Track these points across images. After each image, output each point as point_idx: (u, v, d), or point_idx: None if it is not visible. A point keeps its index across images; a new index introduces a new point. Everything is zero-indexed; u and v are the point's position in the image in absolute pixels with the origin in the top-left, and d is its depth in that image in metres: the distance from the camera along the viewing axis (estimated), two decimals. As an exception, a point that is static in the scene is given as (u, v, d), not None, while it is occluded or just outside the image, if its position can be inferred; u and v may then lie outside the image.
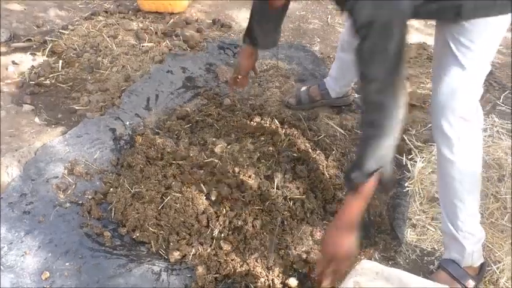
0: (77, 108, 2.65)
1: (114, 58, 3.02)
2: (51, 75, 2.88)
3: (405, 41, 1.45)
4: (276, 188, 2.13)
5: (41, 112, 2.63)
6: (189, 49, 3.23)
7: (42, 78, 2.85)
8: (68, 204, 2.13)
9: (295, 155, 2.30)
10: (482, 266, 1.88)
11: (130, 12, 3.61)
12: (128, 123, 2.54)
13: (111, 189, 2.19)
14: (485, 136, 2.53)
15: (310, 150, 2.35)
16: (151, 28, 3.37)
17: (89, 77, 2.90)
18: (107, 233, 2.03)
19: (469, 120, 1.73)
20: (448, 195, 1.82)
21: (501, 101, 2.91)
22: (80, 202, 2.14)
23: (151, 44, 3.21)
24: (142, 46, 3.19)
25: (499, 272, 1.93)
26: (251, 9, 2.12)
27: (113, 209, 2.11)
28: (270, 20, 2.12)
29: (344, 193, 2.17)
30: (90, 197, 2.15)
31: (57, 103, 2.70)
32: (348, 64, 2.45)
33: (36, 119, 2.58)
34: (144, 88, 2.78)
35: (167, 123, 2.53)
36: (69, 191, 2.19)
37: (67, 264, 1.92)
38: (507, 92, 3.00)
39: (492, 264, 1.96)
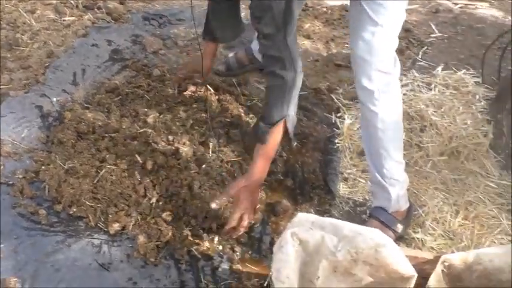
0: (-2, 87, 2.55)
1: (34, 34, 2.91)
2: (-33, 55, 2.74)
3: None
4: (212, 152, 2.16)
5: (-42, 94, 2.51)
6: (113, 21, 3.15)
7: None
8: (-3, 186, 2.07)
9: (228, 120, 2.32)
10: (409, 209, 2.00)
11: (46, -15, 3.47)
12: (55, 99, 2.47)
13: (43, 167, 2.13)
14: (407, 90, 2.65)
15: (243, 114, 2.38)
16: (72, 1, 3.25)
17: (8, 55, 2.77)
18: (42, 211, 1.98)
19: (387, 73, 1.82)
20: (373, 145, 1.91)
21: (420, 56, 3.05)
22: (11, 182, 2.07)
23: (73, 17, 3.11)
24: (64, 20, 3.08)
25: (425, 215, 2.06)
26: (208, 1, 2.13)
27: (46, 186, 2.05)
28: (226, 9, 2.19)
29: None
30: (20, 176, 2.09)
31: (-25, 83, 2.59)
32: None
33: (-46, 101, 2.46)
34: (69, 63, 2.70)
35: (96, 97, 2.48)
36: (-3, 172, 2.12)
37: (1, 246, 1.87)
38: (425, 48, 3.14)
39: (418, 208, 2.08)
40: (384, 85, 1.82)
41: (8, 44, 2.82)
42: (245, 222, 1.85)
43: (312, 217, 1.55)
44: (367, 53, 1.78)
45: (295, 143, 2.18)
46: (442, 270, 1.49)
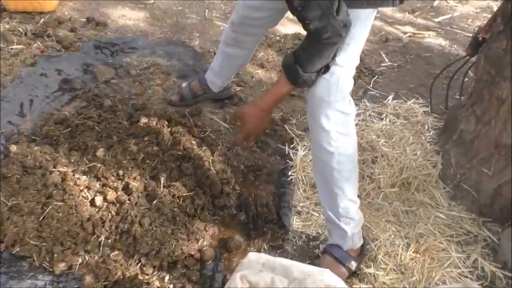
0: None
1: (-21, 63, 2.82)
2: None
3: None
4: (163, 187, 2.12)
5: None
6: (63, 50, 3.09)
7: None
8: None
9: (180, 153, 2.29)
10: (362, 246, 1.99)
11: (-6, 12, 3.38)
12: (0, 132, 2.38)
13: (-15, 204, 2.04)
14: (359, 120, 2.69)
15: (195, 147, 2.35)
16: (20, 29, 3.18)
17: (-48, 84, 2.68)
18: (-17, 251, 1.90)
19: (344, 113, 1.83)
20: (327, 185, 1.90)
21: (371, 85, 3.10)
22: (-51, 222, 1.98)
23: (21, 46, 3.04)
24: (11, 49, 3.00)
25: (377, 249, 2.07)
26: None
27: (-12, 225, 1.97)
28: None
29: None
30: (-39, 215, 2.00)
31: None
32: (232, 58, 2.50)
33: None
34: (16, 93, 2.62)
35: (44, 129, 2.40)
36: None
37: None
38: (376, 77, 3.20)
39: (370, 242, 2.09)
40: (341, 125, 1.83)
41: (-49, 72, 2.72)
42: (247, 143, 2.09)
43: (263, 258, 1.53)
44: (326, 93, 1.79)
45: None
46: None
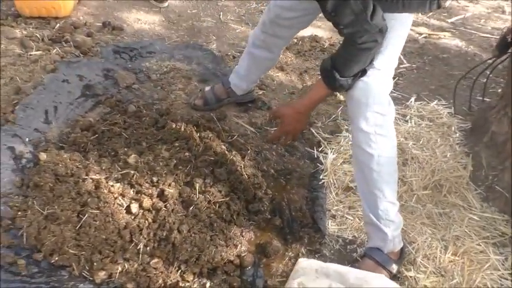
0: (-36, 128, 2.41)
1: (-1, 69, 2.79)
2: None
3: None
4: (198, 193, 2.10)
5: None
6: (82, 55, 3.07)
7: None
8: (-30, 235, 1.94)
9: (212, 158, 2.27)
10: (402, 249, 2.00)
11: (9, 18, 3.33)
12: (27, 139, 2.35)
13: (19, 212, 2.01)
14: (385, 123, 2.68)
15: (226, 152, 2.33)
16: (37, 35, 3.16)
17: (-26, 93, 2.65)
18: (21, 260, 1.87)
19: (383, 114, 1.84)
20: (368, 187, 1.90)
21: (392, 88, 3.09)
22: (-15, 231, 1.96)
23: (40, 52, 3.01)
24: (30, 55, 2.97)
25: (415, 252, 2.07)
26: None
27: (24, 234, 1.94)
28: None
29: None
30: (-5, 224, 1.98)
31: None
32: (259, 60, 2.49)
33: None
34: (40, 100, 2.60)
35: (71, 136, 2.39)
36: (-31, 221, 1.99)
37: (-20, 301, 1.76)
38: (396, 78, 3.20)
39: (408, 245, 2.09)
40: (380, 127, 1.83)
41: (-28, 81, 2.70)
42: (284, 142, 2.25)
43: (315, 264, 1.53)
44: (363, 95, 1.80)
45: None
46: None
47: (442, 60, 3.48)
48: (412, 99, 2.95)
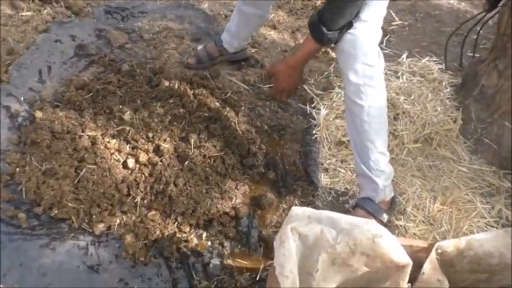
0: (-42, 88, 2.42)
1: (-9, 30, 2.78)
2: None
3: None
4: (194, 148, 2.14)
5: None
6: (73, 16, 3.05)
7: None
8: (-31, 191, 1.98)
9: (206, 114, 2.30)
10: (392, 199, 2.05)
11: (-1, -22, 3.31)
12: (22, 98, 2.37)
13: (17, 169, 2.05)
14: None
15: (220, 108, 2.37)
16: (28, -5, 3.13)
17: (-34, 53, 2.65)
18: (21, 214, 1.92)
19: (372, 66, 1.87)
20: (359, 138, 1.95)
21: (384, 44, 3.11)
22: (-16, 186, 2.00)
23: (31, 12, 2.98)
24: (21, 16, 2.95)
25: (405, 202, 2.13)
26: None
27: (24, 189, 1.99)
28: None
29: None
30: (-5, 180, 2.02)
31: None
32: (248, 17, 2.49)
33: None
34: (33, 60, 2.60)
35: (66, 95, 2.40)
36: (-31, 177, 2.03)
37: (-17, 252, 1.81)
38: (388, 36, 3.21)
39: (398, 196, 2.14)
40: (369, 78, 1.87)
41: (-36, 41, 2.69)
42: (280, 98, 2.38)
43: (308, 211, 1.57)
44: (352, 47, 1.83)
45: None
46: (436, 258, 1.55)
47: (433, 17, 3.48)
48: (404, 55, 2.97)
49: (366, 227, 1.48)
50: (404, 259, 1.47)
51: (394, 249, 1.48)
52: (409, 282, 1.51)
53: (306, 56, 2.06)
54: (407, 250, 1.50)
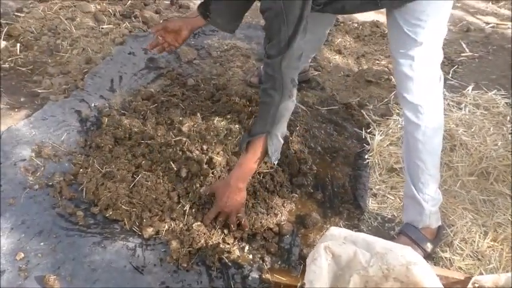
0: (39, 91, 2.63)
1: (73, 41, 3.00)
2: (9, 59, 2.83)
3: (300, 28, 1.70)
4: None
5: (1, 96, 2.59)
6: (149, 31, 3.24)
7: (1, 62, 2.80)
8: (37, 186, 2.14)
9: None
10: (439, 229, 2.02)
11: (85, -6, 3.57)
12: (93, 104, 2.55)
13: (81, 170, 2.20)
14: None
15: (275, 126, 2.42)
16: (110, 10, 3.36)
17: (49, 60, 2.87)
18: (80, 212, 2.05)
19: (430, 88, 1.87)
20: (412, 157, 1.95)
21: (450, 75, 3.07)
22: (50, 184, 2.15)
23: (111, 26, 3.21)
24: (102, 28, 3.17)
25: (453, 235, 2.08)
26: None
27: (84, 189, 2.13)
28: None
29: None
30: (60, 178, 2.16)
31: (18, 87, 2.67)
32: (306, 42, 2.53)
33: (-2, 103, 2.55)
34: (107, 70, 2.79)
35: (133, 104, 2.56)
36: (38, 173, 2.19)
37: (41, 244, 1.94)
38: (455, 66, 3.16)
39: (447, 228, 2.10)
40: (428, 100, 1.87)
41: (49, 50, 2.93)
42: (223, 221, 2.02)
43: (344, 232, 1.59)
44: (409, 69, 1.84)
45: (275, 163, 2.10)
46: (472, 291, 1.52)
47: (507, 50, 3.40)
48: (470, 87, 2.92)
49: (401, 253, 1.48)
50: (439, 290, 1.46)
51: (429, 278, 1.46)
52: (442, 313, 1.49)
53: (243, 168, 1.96)
54: (442, 281, 1.49)
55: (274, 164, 2.13)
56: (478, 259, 1.99)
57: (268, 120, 1.84)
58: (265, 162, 2.22)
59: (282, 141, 1.93)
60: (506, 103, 2.77)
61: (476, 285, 1.50)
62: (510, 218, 2.15)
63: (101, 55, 2.93)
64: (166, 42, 2.23)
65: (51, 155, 2.26)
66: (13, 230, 1.98)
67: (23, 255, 1.90)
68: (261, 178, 2.18)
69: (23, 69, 2.78)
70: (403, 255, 1.48)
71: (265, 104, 1.84)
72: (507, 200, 2.23)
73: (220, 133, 2.33)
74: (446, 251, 2.01)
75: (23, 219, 2.02)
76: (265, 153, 1.91)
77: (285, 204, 2.15)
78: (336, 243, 1.51)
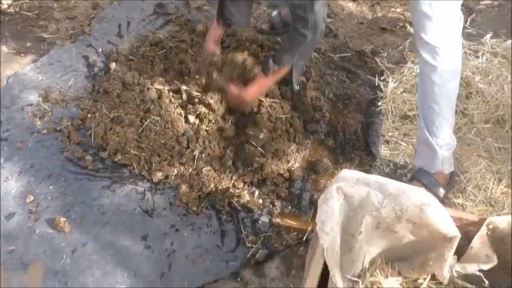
0: (45, 36, 2.58)
1: (80, -15, 2.93)
2: (14, 3, 2.77)
3: None
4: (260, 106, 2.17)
5: (7, 41, 2.55)
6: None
7: (6, 6, 2.74)
8: (45, 131, 2.12)
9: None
10: (452, 175, 1.98)
11: None
12: (100, 50, 2.50)
13: (89, 115, 2.18)
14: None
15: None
16: (116, -45, 3.26)
17: (55, 5, 2.81)
18: (88, 156, 2.04)
19: (449, 29, 1.80)
20: (427, 100, 1.90)
21: (468, 23, 2.97)
22: (58, 128, 2.14)
23: (117, -30, 3.12)
24: (108, -27, 3.09)
25: (466, 181, 2.05)
26: None
27: (92, 133, 2.11)
28: None
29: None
30: (68, 123, 2.14)
31: (24, 31, 2.62)
32: None
33: (4, 48, 2.50)
34: (115, 15, 2.73)
35: (141, 50, 2.51)
36: (45, 118, 2.17)
37: (51, 187, 1.94)
38: (474, 15, 3.06)
39: (460, 175, 2.07)
40: (446, 41, 1.80)
41: (54, -6, 2.86)
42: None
43: (357, 174, 1.56)
44: (428, 7, 1.76)
45: (296, 87, 2.19)
46: (486, 233, 1.49)
47: (527, -2, 3.27)
48: (488, 36, 2.82)
49: (414, 194, 1.45)
50: (453, 231, 1.43)
51: (443, 219, 1.44)
52: (455, 254, 1.46)
53: (259, 88, 2.10)
54: (456, 222, 1.46)
55: (296, 89, 2.20)
56: (491, 205, 1.96)
57: (297, 55, 1.96)
58: (282, 107, 2.18)
59: (305, 69, 2.12)
60: (525, 52, 2.68)
61: (491, 226, 1.47)
62: (525, 166, 2.11)
63: (107, 1, 2.86)
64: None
65: (59, 100, 2.24)
66: (22, 174, 1.97)
67: (32, 198, 1.90)
68: (280, 124, 2.14)
69: (29, 14, 2.72)
70: (417, 197, 1.45)
71: (295, 42, 1.93)
72: (523, 148, 2.19)
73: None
74: (459, 197, 1.98)
75: (32, 163, 2.01)
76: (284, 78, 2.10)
77: (299, 151, 2.12)
78: (348, 184, 1.48)
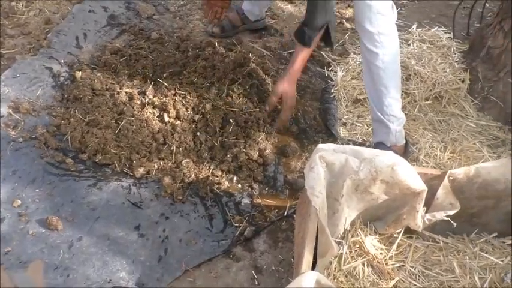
0: (3, 52, 2.61)
1: (29, 2, 2.98)
2: (-35, 23, 2.79)
3: None
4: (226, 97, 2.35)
5: (-35, 60, 2.57)
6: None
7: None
8: (21, 139, 2.17)
9: (239, 74, 2.48)
10: (406, 145, 2.24)
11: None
12: (62, 61, 2.57)
13: (63, 121, 2.24)
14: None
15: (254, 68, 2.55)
16: (60, -30, 3.32)
17: (7, 22, 2.84)
18: (69, 159, 2.11)
19: (385, 15, 2.05)
20: (374, 83, 2.13)
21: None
22: (34, 136, 2.18)
23: (64, -14, 3.19)
24: (55, -11, 3.15)
25: (418, 151, 2.31)
26: None
27: (69, 138, 2.18)
28: None
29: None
30: (43, 130, 2.20)
31: (-21, 50, 2.65)
32: None
33: (-37, 67, 2.52)
34: (70, 28, 2.80)
35: (102, 58, 2.60)
36: (19, 128, 2.21)
37: (37, 190, 2.00)
38: (399, 9, 3.38)
39: (411, 146, 2.33)
40: (384, 27, 2.05)
41: (4, 12, 2.88)
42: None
43: (332, 145, 1.75)
44: None
45: (335, 46, 2.32)
46: (448, 184, 1.73)
47: (442, -8, 3.65)
48: (414, 26, 3.14)
49: (386, 157, 1.67)
50: (421, 186, 1.66)
51: (411, 176, 1.66)
52: (424, 206, 1.70)
53: (302, 63, 2.19)
54: (422, 178, 1.69)
55: (334, 48, 2.34)
56: (441, 169, 2.22)
57: (328, 11, 2.01)
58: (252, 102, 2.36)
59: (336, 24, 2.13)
60: (448, 37, 3.02)
61: (451, 177, 1.71)
62: (464, 134, 2.40)
63: (59, 15, 2.92)
64: (218, 7, 2.47)
65: (30, 109, 2.29)
66: (5, 181, 2.02)
67: (20, 202, 1.96)
68: (248, 116, 2.31)
69: (-19, 32, 2.74)
70: (389, 158, 1.66)
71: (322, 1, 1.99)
72: (459, 120, 2.49)
73: (196, 81, 2.43)
74: (414, 165, 2.21)
75: (13, 170, 2.06)
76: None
77: (268, 139, 2.29)
78: (329, 153, 1.67)
